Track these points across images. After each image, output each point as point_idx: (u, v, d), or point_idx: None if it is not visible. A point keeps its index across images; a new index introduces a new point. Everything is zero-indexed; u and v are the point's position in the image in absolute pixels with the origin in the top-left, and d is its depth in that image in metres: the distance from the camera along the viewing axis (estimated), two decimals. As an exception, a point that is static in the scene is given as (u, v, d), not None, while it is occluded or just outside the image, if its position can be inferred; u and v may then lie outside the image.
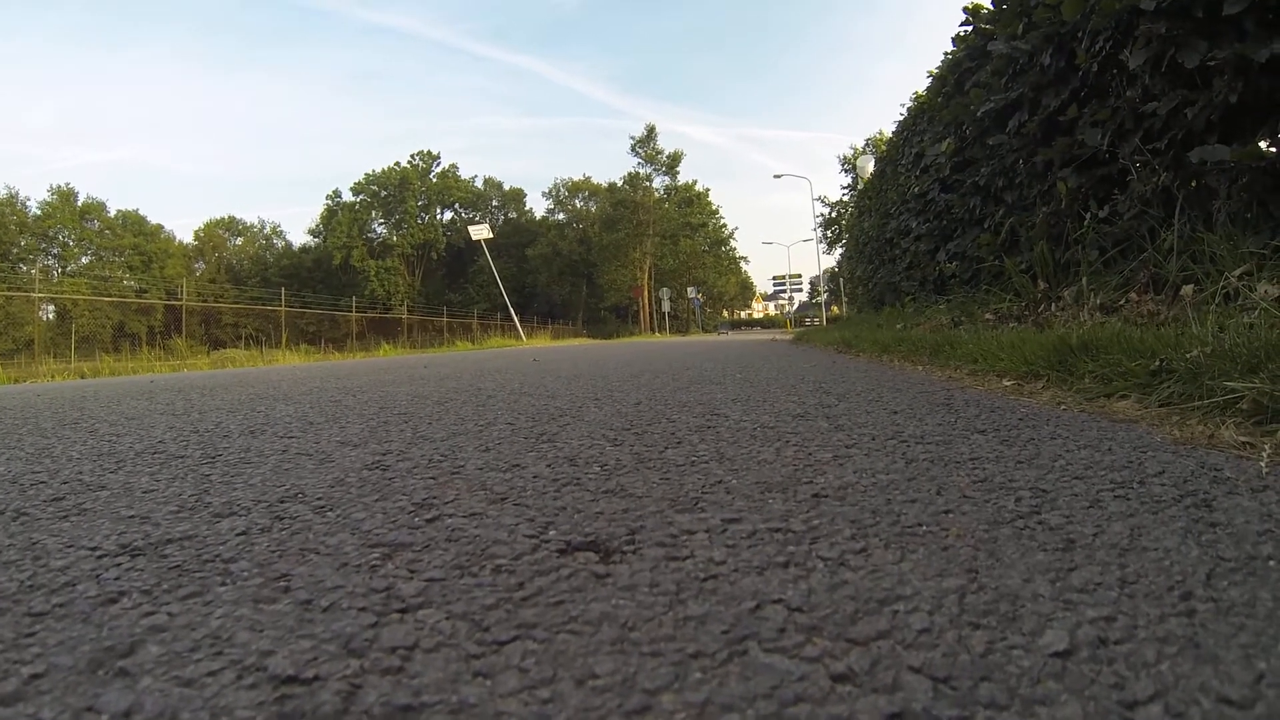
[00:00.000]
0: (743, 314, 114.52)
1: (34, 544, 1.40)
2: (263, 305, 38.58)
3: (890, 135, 15.75)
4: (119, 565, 1.24)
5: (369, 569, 1.17)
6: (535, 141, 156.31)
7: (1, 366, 19.28)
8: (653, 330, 67.69)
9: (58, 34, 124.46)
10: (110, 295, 60.84)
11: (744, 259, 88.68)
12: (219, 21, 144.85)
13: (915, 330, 7.35)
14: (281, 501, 1.65)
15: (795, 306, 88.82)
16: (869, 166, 19.84)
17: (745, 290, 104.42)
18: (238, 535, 1.39)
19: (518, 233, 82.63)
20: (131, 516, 1.58)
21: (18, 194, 63.24)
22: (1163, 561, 1.07)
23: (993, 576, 1.03)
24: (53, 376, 14.80)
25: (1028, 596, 0.96)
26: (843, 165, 57.00)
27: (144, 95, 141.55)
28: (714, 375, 5.23)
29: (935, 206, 9.67)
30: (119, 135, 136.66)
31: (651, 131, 74.31)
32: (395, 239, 78.96)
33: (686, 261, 75.28)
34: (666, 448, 2.17)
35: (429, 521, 1.43)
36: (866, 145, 49.68)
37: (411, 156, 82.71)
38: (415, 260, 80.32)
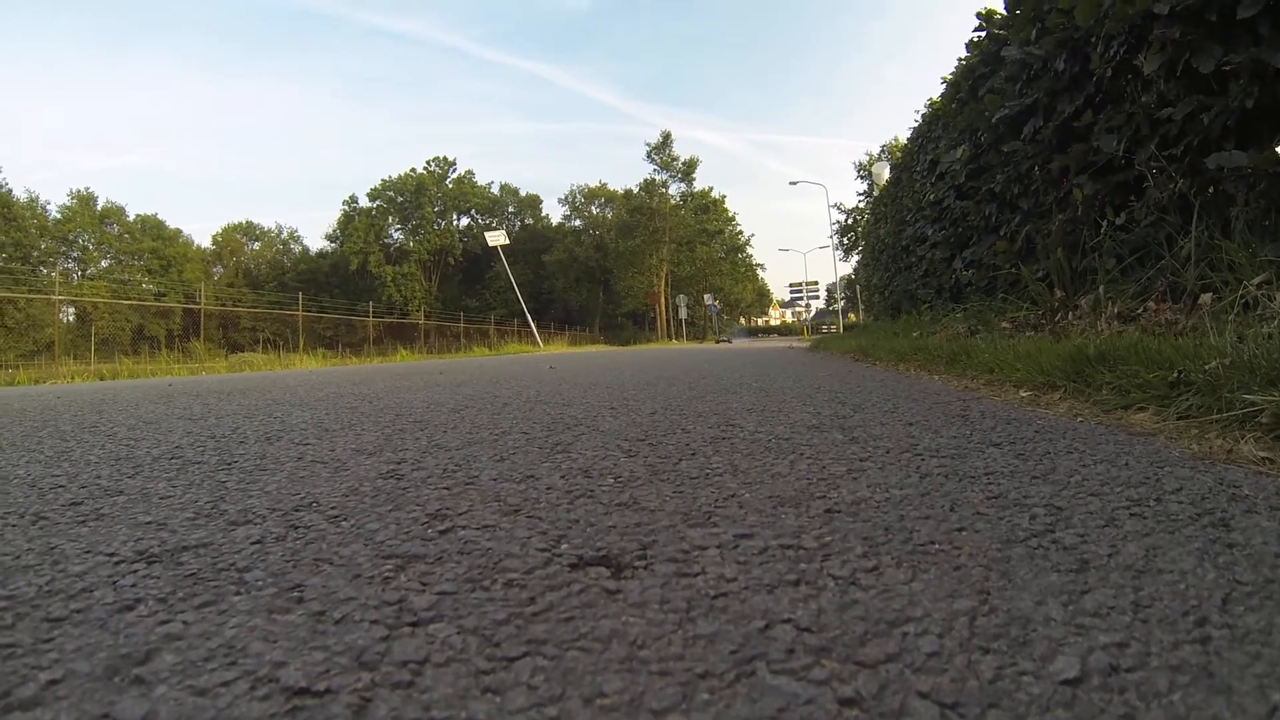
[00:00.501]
0: (760, 321, 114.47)
1: (52, 549, 1.41)
2: (280, 310, 38.80)
3: (905, 142, 15.72)
4: (135, 572, 1.25)
5: (382, 581, 1.17)
6: (550, 148, 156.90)
7: (22, 367, 19.48)
8: (670, 337, 67.78)
9: (74, 42, 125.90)
10: (129, 298, 61.32)
11: (761, 266, 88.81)
12: (230, 29, 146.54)
13: (931, 338, 7.34)
14: (296, 510, 1.66)
15: (812, 314, 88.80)
16: (884, 173, 19.81)
17: (762, 297, 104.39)
18: (252, 544, 1.40)
19: (534, 239, 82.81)
20: (148, 523, 1.59)
21: (38, 198, 63.74)
22: (1178, 585, 1.06)
23: (1004, 598, 1.02)
24: (72, 378, 14.93)
25: (1039, 620, 0.95)
26: (859, 172, 57.11)
27: (160, 102, 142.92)
28: (730, 384, 5.23)
29: (951, 214, 9.66)
30: (137, 141, 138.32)
31: (667, 138, 74.59)
32: (412, 245, 79.43)
33: (703, 268, 75.42)
34: (681, 459, 2.17)
35: (442, 533, 1.44)
36: (882, 152, 49.72)
37: (427, 162, 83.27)
38: (432, 266, 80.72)
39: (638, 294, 74.51)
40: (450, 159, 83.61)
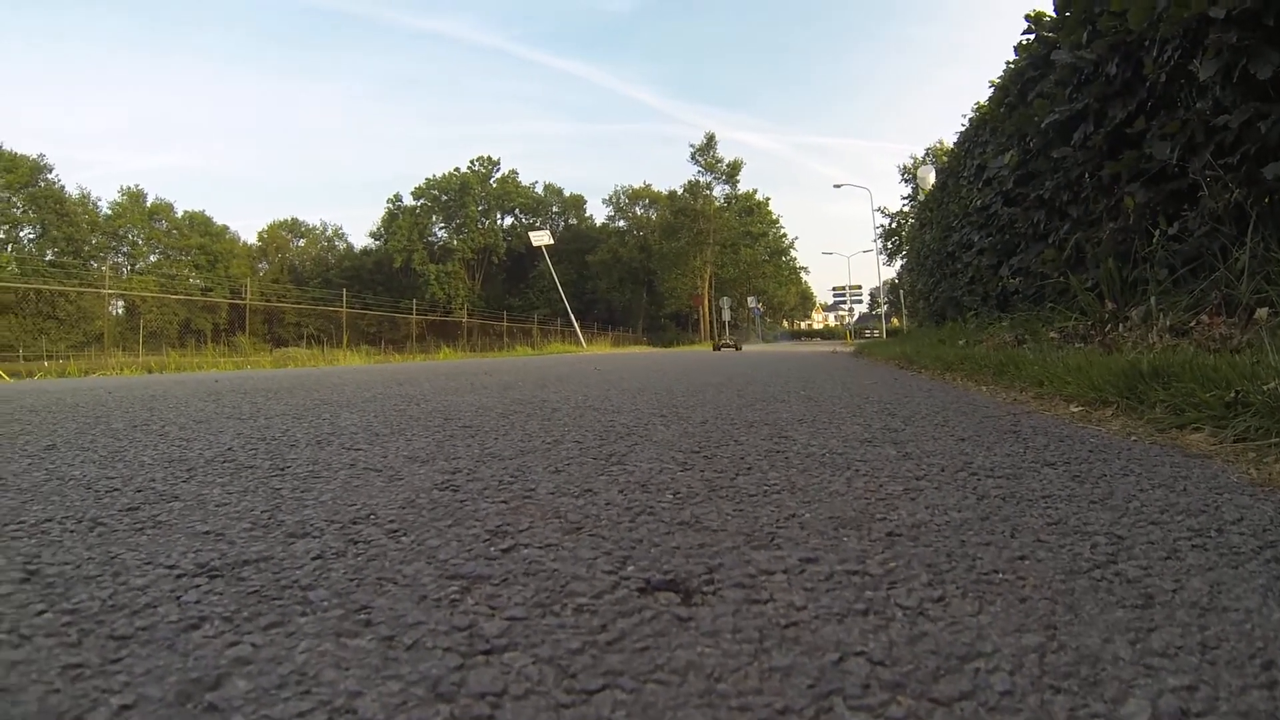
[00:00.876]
0: (803, 324, 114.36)
1: (112, 559, 1.42)
2: (324, 306, 39.23)
3: (951, 146, 15.64)
4: (198, 587, 1.25)
5: (449, 604, 1.17)
6: (592, 148, 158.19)
7: (73, 358, 19.95)
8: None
9: (120, 43, 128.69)
10: (177, 293, 62.37)
11: (804, 269, 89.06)
12: (277, 31, 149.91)
13: (978, 347, 7.30)
14: (354, 523, 1.66)
15: (855, 318, 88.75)
16: (930, 177, 19.74)
17: (805, 300, 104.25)
18: (313, 559, 1.40)
19: (578, 239, 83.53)
20: (206, 533, 1.60)
21: (89, 194, 65.15)
22: (1244, 624, 1.05)
23: (1072, 634, 1.02)
24: (121, 370, 15.30)
25: (1108, 659, 0.95)
26: (903, 175, 56.97)
27: (209, 103, 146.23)
28: (778, 392, 5.23)
29: (998, 220, 9.60)
30: (187, 140, 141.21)
31: (711, 140, 75.14)
32: (456, 243, 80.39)
33: (747, 271, 75.64)
34: (737, 474, 2.17)
35: (505, 552, 1.44)
36: (926, 155, 49.55)
37: (471, 162, 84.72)
38: (476, 264, 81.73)
39: (681, 295, 75.03)
40: (494, 159, 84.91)
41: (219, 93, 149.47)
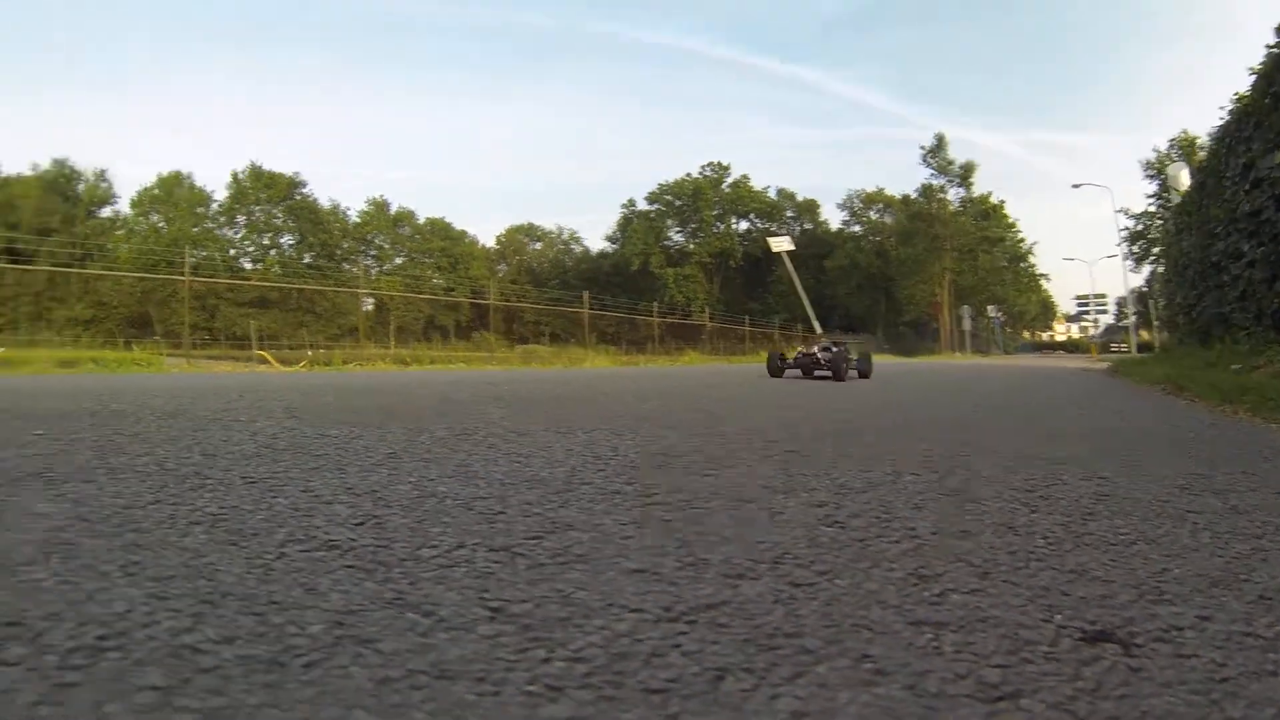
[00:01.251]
0: (1044, 335, 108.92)
1: (566, 597, 1.50)
2: (564, 306, 40.74)
3: (1207, 140, 14.70)
4: (684, 633, 1.32)
5: (933, 650, 1.26)
6: (819, 152, 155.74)
7: (334, 349, 22.24)
8: (953, 349, 66.11)
9: (368, 75, 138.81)
10: (422, 292, 66.57)
11: (1044, 276, 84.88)
12: (512, 46, 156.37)
13: (1254, 374, 6.95)
14: (778, 562, 1.76)
15: (1100, 330, 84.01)
16: (1183, 176, 18.56)
17: (1046, 310, 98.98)
18: (774, 603, 1.48)
19: (814, 244, 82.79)
20: (637, 571, 1.69)
21: (339, 205, 71.24)
22: None
23: None
24: (375, 362, 16.92)
25: None
26: (1146, 171, 53.47)
27: (450, 119, 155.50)
28: (1058, 423, 5.32)
29: (1271, 227, 8.95)
30: (428, 155, 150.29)
31: (941, 141, 72.98)
32: (692, 247, 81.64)
33: (985, 278, 73.08)
34: (1085, 519, 2.29)
35: (938, 596, 1.54)
36: (1172, 148, 46.21)
37: (702, 168, 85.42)
38: (713, 268, 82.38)
39: (919, 303, 73.16)
40: (725, 164, 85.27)
41: (460, 112, 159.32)
